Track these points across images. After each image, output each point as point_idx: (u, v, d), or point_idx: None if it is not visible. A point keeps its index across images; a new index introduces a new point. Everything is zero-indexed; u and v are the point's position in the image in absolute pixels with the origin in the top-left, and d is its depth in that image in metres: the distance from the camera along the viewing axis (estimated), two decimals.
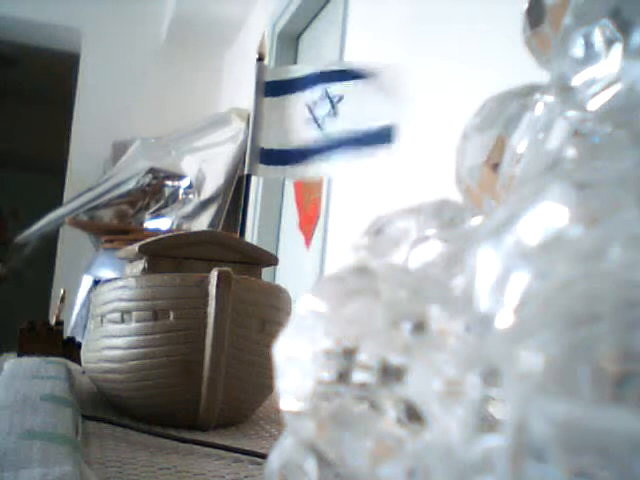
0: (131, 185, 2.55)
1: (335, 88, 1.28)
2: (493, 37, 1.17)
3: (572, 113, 0.28)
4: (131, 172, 2.58)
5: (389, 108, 1.24)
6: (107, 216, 2.52)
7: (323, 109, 1.28)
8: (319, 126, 1.27)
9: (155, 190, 2.58)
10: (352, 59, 1.88)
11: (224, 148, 2.57)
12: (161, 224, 2.51)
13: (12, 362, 0.86)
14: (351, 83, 1.27)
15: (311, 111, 1.28)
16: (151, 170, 2.57)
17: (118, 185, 2.55)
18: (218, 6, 3.01)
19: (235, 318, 0.70)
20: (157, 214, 2.58)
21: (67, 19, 3.39)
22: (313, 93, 1.29)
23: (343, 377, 0.27)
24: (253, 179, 1.36)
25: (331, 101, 1.27)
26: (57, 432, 0.51)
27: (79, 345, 0.99)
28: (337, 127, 1.27)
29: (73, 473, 0.41)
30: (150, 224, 2.49)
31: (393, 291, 0.28)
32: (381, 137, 1.24)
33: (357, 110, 1.26)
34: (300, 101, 1.30)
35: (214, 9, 3.04)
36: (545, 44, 0.36)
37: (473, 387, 0.22)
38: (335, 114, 1.26)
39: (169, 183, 2.60)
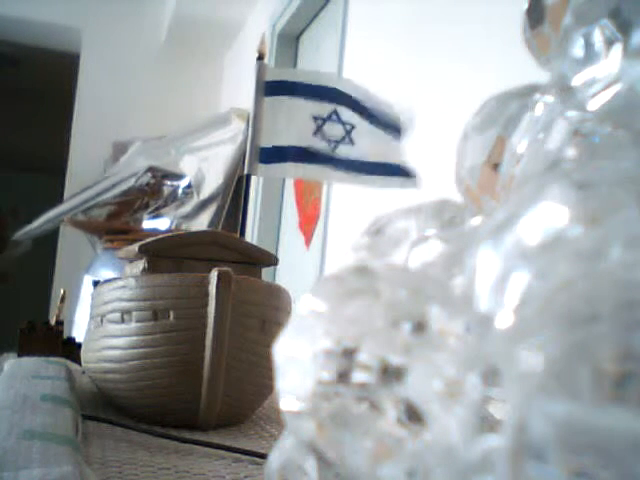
0: (130, 184, 2.54)
1: (347, 114, 1.25)
2: (493, 37, 1.17)
3: (572, 113, 0.28)
4: (130, 171, 2.57)
5: (400, 150, 1.22)
6: (104, 215, 2.51)
7: (335, 131, 1.25)
8: (331, 149, 1.25)
9: (154, 189, 2.57)
10: (352, 60, 1.88)
11: (224, 148, 2.57)
12: (159, 224, 2.50)
13: (12, 362, 0.86)
14: (361, 116, 1.25)
15: (318, 126, 1.26)
16: (150, 169, 2.56)
17: (117, 184, 2.53)
18: (218, 7, 3.01)
19: (235, 318, 0.70)
20: (156, 214, 2.57)
21: (67, 19, 3.39)
22: (320, 107, 1.26)
23: (343, 377, 0.27)
24: (253, 179, 1.35)
25: (344, 126, 1.25)
26: (57, 432, 0.51)
27: (79, 345, 0.99)
28: (352, 154, 1.25)
29: (73, 473, 0.41)
30: (148, 224, 2.49)
31: (393, 291, 0.28)
32: (398, 171, 1.23)
33: (369, 146, 1.24)
34: (304, 109, 1.27)
35: (214, 9, 3.04)
36: (545, 44, 0.36)
37: (473, 387, 0.22)
38: (352, 143, 1.24)
39: (168, 182, 2.59)
